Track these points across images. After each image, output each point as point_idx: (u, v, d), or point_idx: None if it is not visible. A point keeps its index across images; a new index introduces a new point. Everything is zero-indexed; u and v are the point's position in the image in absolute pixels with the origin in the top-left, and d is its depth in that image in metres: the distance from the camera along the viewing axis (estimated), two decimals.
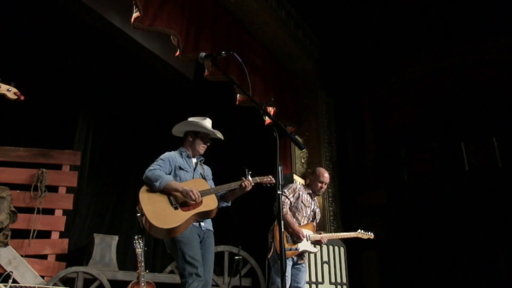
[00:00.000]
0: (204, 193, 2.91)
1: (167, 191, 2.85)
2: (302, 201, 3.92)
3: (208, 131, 3.15)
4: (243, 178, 3.02)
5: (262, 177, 3.18)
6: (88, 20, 5.25)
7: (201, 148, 3.17)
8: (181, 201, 2.83)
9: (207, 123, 3.16)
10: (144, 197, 2.80)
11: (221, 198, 3.10)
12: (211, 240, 3.03)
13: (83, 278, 4.31)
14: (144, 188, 2.84)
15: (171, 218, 2.74)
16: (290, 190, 3.92)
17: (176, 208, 2.80)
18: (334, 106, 7.43)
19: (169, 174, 2.96)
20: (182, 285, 2.74)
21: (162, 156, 3.04)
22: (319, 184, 3.98)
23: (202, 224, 2.96)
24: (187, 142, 3.19)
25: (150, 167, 2.91)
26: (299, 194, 3.94)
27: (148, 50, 5.81)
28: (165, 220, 2.72)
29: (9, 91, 2.03)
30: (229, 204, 3.18)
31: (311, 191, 4.03)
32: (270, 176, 3.22)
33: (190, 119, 3.16)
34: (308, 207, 3.97)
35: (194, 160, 3.18)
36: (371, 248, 6.42)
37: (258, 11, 5.74)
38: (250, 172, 3.04)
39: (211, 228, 3.07)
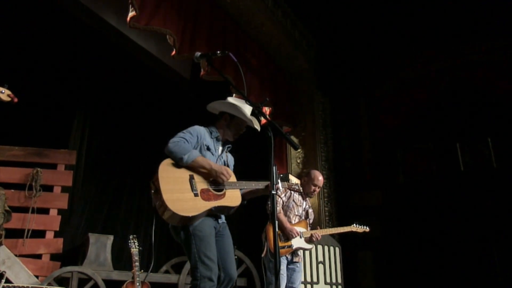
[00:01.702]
0: (229, 185, 2.62)
1: (192, 169, 2.54)
2: (293, 200, 3.96)
3: (246, 118, 2.79)
4: None
5: (291, 184, 3.04)
6: (84, 19, 5.24)
7: (233, 135, 2.88)
8: (203, 187, 2.54)
9: (247, 109, 2.79)
10: (164, 173, 2.46)
11: None
12: (228, 231, 2.78)
13: (78, 278, 4.29)
14: (166, 162, 2.51)
15: (189, 205, 2.44)
16: (282, 190, 3.93)
17: (196, 195, 2.49)
18: (330, 106, 7.45)
19: None
20: (193, 287, 2.47)
21: (190, 129, 2.68)
22: (313, 187, 4.00)
23: (219, 219, 2.73)
24: (220, 124, 2.88)
25: (175, 138, 2.56)
26: (290, 193, 3.97)
27: (144, 49, 5.81)
28: (181, 206, 2.41)
29: (2, 93, 2.00)
30: (245, 202, 2.86)
31: (302, 192, 4.04)
32: (298, 184, 3.14)
33: (230, 99, 2.84)
34: (300, 206, 3.99)
35: (220, 146, 2.88)
36: (366, 248, 6.44)
37: (254, 11, 5.75)
38: (281, 176, 2.88)
39: (225, 220, 2.83)
